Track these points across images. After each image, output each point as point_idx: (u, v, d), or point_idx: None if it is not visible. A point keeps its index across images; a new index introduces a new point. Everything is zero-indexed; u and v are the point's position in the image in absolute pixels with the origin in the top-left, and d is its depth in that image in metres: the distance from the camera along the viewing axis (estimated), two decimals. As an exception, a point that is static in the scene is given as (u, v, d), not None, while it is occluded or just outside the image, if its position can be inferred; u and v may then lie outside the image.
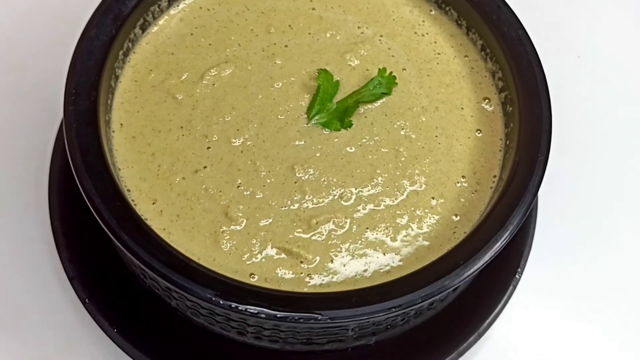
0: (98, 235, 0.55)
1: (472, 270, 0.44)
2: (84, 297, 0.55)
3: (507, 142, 0.53)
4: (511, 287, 0.57)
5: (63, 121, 0.48)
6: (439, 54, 0.58)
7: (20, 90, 0.68)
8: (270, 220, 0.50)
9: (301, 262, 0.49)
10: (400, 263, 0.49)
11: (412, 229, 0.50)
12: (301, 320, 0.42)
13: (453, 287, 0.44)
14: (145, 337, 0.53)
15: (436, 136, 0.54)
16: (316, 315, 0.42)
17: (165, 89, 0.54)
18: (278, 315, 0.42)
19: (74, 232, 0.57)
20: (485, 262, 0.45)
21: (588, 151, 0.68)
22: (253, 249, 0.49)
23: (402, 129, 0.54)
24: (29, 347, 0.56)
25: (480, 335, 0.55)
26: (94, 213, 0.45)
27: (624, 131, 0.70)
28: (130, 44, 0.55)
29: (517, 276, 0.57)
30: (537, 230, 0.60)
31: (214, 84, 0.55)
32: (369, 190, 0.52)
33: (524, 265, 0.58)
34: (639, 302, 0.62)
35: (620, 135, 0.70)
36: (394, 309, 0.43)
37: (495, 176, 0.53)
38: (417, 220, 0.51)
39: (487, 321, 0.55)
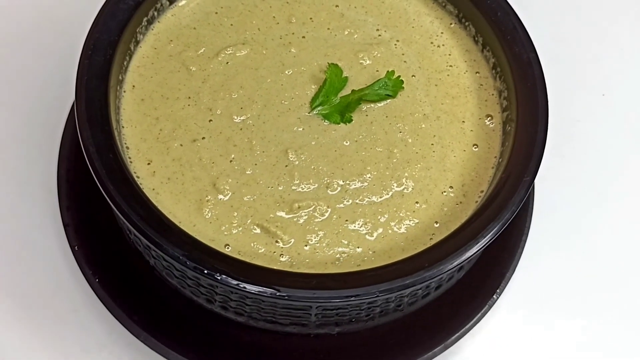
0: (97, 190, 0.58)
1: (435, 274, 0.45)
2: (74, 244, 0.57)
3: (500, 160, 0.54)
4: (487, 306, 0.57)
5: (77, 73, 0.51)
6: (451, 66, 0.59)
7: (55, 45, 0.71)
8: (255, 198, 0.51)
9: (277, 241, 0.50)
10: (373, 259, 0.50)
11: (391, 229, 0.51)
12: (259, 292, 0.43)
13: (411, 288, 0.45)
14: (122, 290, 0.55)
15: (432, 144, 0.55)
16: (274, 290, 0.43)
17: (181, 59, 0.57)
18: (240, 285, 0.44)
19: (77, 182, 0.59)
20: (449, 270, 0.45)
21: (599, 188, 0.68)
22: (233, 221, 0.50)
23: (400, 132, 0.55)
24: (15, 285, 0.59)
25: (447, 347, 0.55)
26: (87, 161, 0.47)
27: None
28: (155, 13, 0.58)
29: (494, 296, 0.57)
30: (526, 254, 0.60)
31: (227, 62, 0.57)
32: (355, 184, 0.53)
33: (504, 287, 0.58)
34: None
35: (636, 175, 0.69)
36: (352, 298, 0.44)
37: (482, 191, 0.53)
38: (397, 220, 0.52)
39: (456, 335, 0.55)
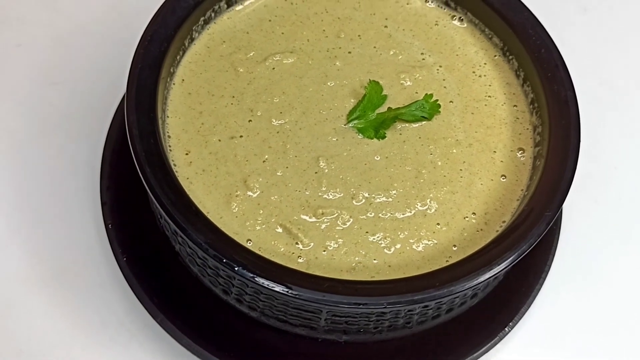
0: (136, 175, 0.61)
1: (445, 296, 0.46)
2: (108, 222, 0.60)
3: (526, 193, 0.54)
4: (497, 337, 0.57)
5: (132, 61, 0.54)
6: (489, 96, 0.60)
7: (119, 34, 0.75)
8: (282, 199, 0.53)
9: (297, 243, 0.52)
10: (387, 272, 0.51)
11: (409, 246, 0.52)
12: (272, 287, 0.45)
13: (419, 304, 0.46)
14: (146, 272, 0.57)
15: (461, 169, 0.56)
16: (286, 288, 0.45)
17: (230, 60, 0.60)
18: (255, 279, 0.46)
19: (119, 165, 0.62)
20: (459, 292, 0.46)
21: (627, 235, 0.67)
22: (258, 218, 0.52)
23: (431, 154, 0.56)
24: (48, 253, 0.62)
25: (453, 372, 0.55)
26: (129, 143, 0.50)
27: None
28: (213, 14, 0.61)
29: (506, 329, 0.57)
30: (544, 291, 0.60)
31: (274, 68, 0.59)
32: (380, 199, 0.54)
33: (517, 321, 0.58)
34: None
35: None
36: (360, 305, 0.45)
37: (504, 222, 0.54)
38: (416, 238, 0.53)
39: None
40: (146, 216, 0.60)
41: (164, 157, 0.50)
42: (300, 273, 0.47)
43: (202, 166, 0.54)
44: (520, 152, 0.57)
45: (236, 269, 0.46)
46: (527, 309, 0.59)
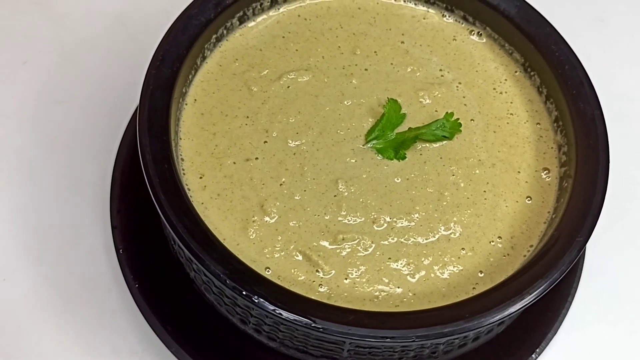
0: (148, 197, 0.59)
1: (475, 326, 0.44)
2: (119, 247, 0.58)
3: (554, 216, 0.52)
4: (524, 366, 0.55)
5: (143, 82, 0.52)
6: (511, 114, 0.58)
7: (126, 50, 0.73)
8: (300, 224, 0.51)
9: (317, 270, 0.50)
10: (412, 301, 0.49)
11: (434, 272, 0.50)
12: (296, 322, 0.43)
13: (449, 337, 0.44)
14: (159, 299, 0.56)
15: (485, 191, 0.54)
16: (310, 321, 0.43)
17: (243, 79, 0.58)
18: (276, 311, 0.44)
19: (129, 186, 0.61)
20: (491, 323, 0.44)
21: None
22: (276, 245, 0.51)
23: (453, 175, 0.55)
24: (57, 278, 0.60)
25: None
26: (142, 168, 0.48)
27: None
28: (224, 31, 0.59)
29: (533, 356, 0.55)
30: (570, 316, 0.58)
31: (288, 86, 0.58)
32: (402, 223, 0.52)
33: (544, 348, 0.56)
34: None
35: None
36: (387, 339, 0.43)
37: (531, 246, 0.52)
38: (441, 265, 0.51)
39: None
40: (158, 241, 0.58)
41: (178, 183, 0.48)
42: (323, 305, 0.45)
43: (217, 190, 0.52)
44: (545, 172, 0.56)
45: (257, 301, 0.44)
46: (554, 335, 0.57)
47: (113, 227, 0.59)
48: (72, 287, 0.60)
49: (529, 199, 0.54)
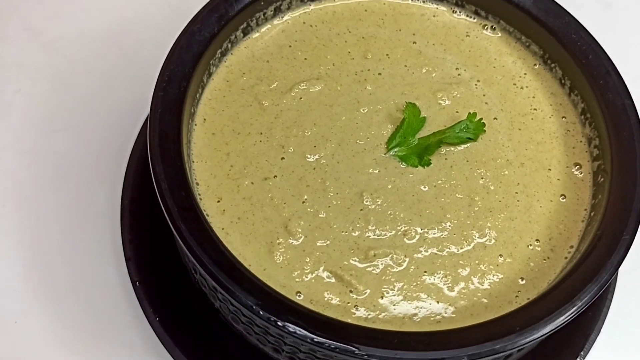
0: (161, 224, 0.56)
1: (527, 339, 0.41)
2: (135, 279, 0.55)
3: (592, 214, 0.50)
4: (569, 369, 0.53)
5: (151, 105, 0.50)
6: (535, 109, 0.56)
7: (124, 72, 0.70)
8: (328, 242, 0.49)
9: (351, 291, 0.47)
10: (453, 315, 0.46)
11: (473, 283, 0.48)
12: (337, 349, 0.40)
13: (503, 353, 0.41)
14: (183, 331, 0.53)
15: (516, 192, 0.52)
16: (353, 349, 0.40)
17: (253, 93, 0.55)
18: (315, 339, 0.41)
19: (140, 214, 0.58)
20: (544, 335, 0.42)
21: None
22: (305, 267, 0.48)
23: (482, 178, 0.52)
24: (72, 316, 0.57)
25: (524, 412, 0.51)
26: (159, 197, 0.45)
27: None
28: (229, 45, 0.56)
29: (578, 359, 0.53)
30: (610, 315, 0.55)
31: (301, 98, 0.55)
32: (434, 233, 0.50)
33: (589, 349, 0.54)
34: None
35: None
36: (435, 361, 0.41)
37: (572, 247, 0.49)
38: (479, 274, 0.48)
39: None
40: (176, 270, 0.55)
41: (198, 211, 0.45)
42: (364, 330, 0.42)
43: (237, 214, 0.50)
44: (576, 167, 0.53)
45: (293, 330, 0.41)
46: (597, 336, 0.54)
47: (127, 259, 0.56)
48: (89, 326, 0.57)
49: (563, 197, 0.52)
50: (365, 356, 0.40)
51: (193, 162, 0.52)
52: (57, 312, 0.57)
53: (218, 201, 0.50)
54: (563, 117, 0.56)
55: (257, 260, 0.48)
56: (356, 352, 0.40)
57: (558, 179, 0.53)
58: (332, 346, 0.41)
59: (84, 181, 0.64)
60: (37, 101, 0.68)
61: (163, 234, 0.56)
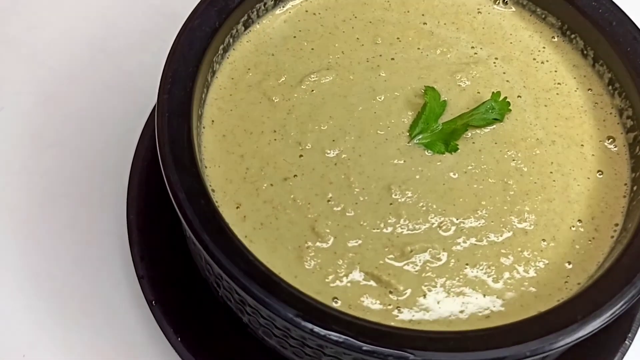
0: (174, 235, 0.53)
1: (591, 328, 0.38)
2: (151, 298, 0.51)
3: (634, 188, 0.47)
4: (619, 353, 0.50)
5: (155, 109, 0.46)
6: (559, 84, 0.53)
7: (113, 79, 0.66)
8: (360, 242, 0.45)
9: (390, 292, 0.44)
10: (502, 309, 0.43)
11: (518, 272, 0.45)
12: (391, 357, 0.37)
13: (567, 344, 0.38)
14: (210, 350, 0.49)
15: (551, 172, 0.49)
16: (408, 355, 0.37)
17: (261, 89, 0.51)
18: (364, 348, 0.38)
19: (149, 228, 0.54)
20: (607, 320, 0.39)
21: None
22: (339, 270, 0.44)
23: (513, 160, 0.49)
24: (86, 346, 0.53)
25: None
26: (177, 209, 0.42)
27: None
28: (231, 40, 0.53)
29: (627, 342, 0.50)
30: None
31: (312, 90, 0.52)
32: (471, 223, 0.46)
33: (636, 331, 0.51)
34: None
35: None
36: (496, 360, 0.37)
37: (617, 225, 0.47)
38: (523, 262, 0.45)
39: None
40: (195, 285, 0.51)
41: (221, 220, 0.42)
42: (418, 333, 0.39)
43: (259, 219, 0.46)
44: (609, 141, 0.51)
45: (340, 340, 0.38)
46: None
47: (139, 278, 0.52)
48: (104, 353, 0.53)
49: (600, 173, 0.49)
50: (421, 362, 0.37)
51: (206, 167, 0.48)
52: (68, 343, 0.53)
53: (237, 207, 0.47)
54: (589, 90, 0.53)
55: (287, 267, 0.44)
56: (411, 358, 0.37)
57: (592, 155, 0.50)
58: (385, 354, 0.37)
59: (84, 199, 0.59)
60: (24, 118, 0.64)
61: (176, 247, 0.53)
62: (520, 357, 0.37)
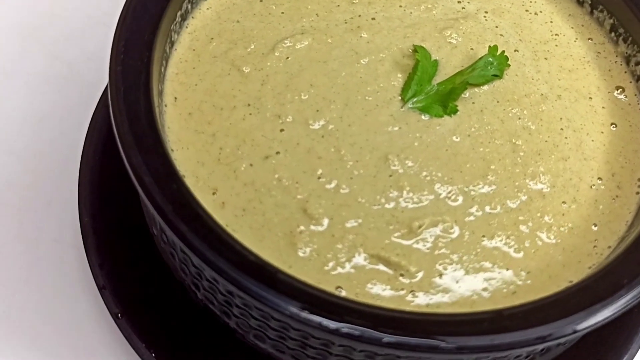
0: (138, 236, 0.46)
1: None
2: (115, 311, 0.44)
3: (654, 138, 0.43)
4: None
5: (108, 85, 0.39)
6: (556, 34, 0.49)
7: (52, 71, 0.59)
8: (360, 221, 0.39)
9: (401, 274, 0.38)
10: (529, 282, 0.38)
11: (540, 240, 0.40)
12: (419, 348, 0.31)
13: (615, 314, 0.33)
14: (190, 364, 0.42)
15: (561, 129, 0.44)
16: (439, 342, 0.31)
17: (229, 60, 0.45)
18: (386, 340, 0.31)
19: (107, 231, 0.46)
20: (657, 283, 0.34)
21: None
22: (339, 255, 0.38)
23: (519, 118, 0.44)
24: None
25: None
26: (144, 197, 0.35)
27: None
28: (189, 6, 0.46)
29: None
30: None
31: (287, 57, 0.45)
32: (482, 189, 0.41)
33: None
34: None
35: None
36: (540, 340, 0.32)
37: (640, 179, 0.42)
38: (545, 228, 0.40)
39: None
40: (166, 291, 0.44)
41: (197, 207, 0.35)
42: (445, 318, 0.33)
43: (241, 205, 0.39)
44: (619, 91, 0.46)
45: (356, 334, 0.31)
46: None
47: (101, 288, 0.45)
48: (66, 379, 0.45)
49: (613, 125, 0.45)
50: (455, 349, 0.31)
51: (172, 150, 0.41)
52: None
53: (214, 193, 0.40)
54: (589, 39, 0.48)
55: (279, 257, 0.38)
56: (442, 345, 0.31)
57: (603, 107, 0.45)
58: (412, 344, 0.31)
59: (29, 207, 0.51)
60: (-50, 118, 0.55)
61: (141, 249, 0.46)
62: (567, 334, 0.32)
